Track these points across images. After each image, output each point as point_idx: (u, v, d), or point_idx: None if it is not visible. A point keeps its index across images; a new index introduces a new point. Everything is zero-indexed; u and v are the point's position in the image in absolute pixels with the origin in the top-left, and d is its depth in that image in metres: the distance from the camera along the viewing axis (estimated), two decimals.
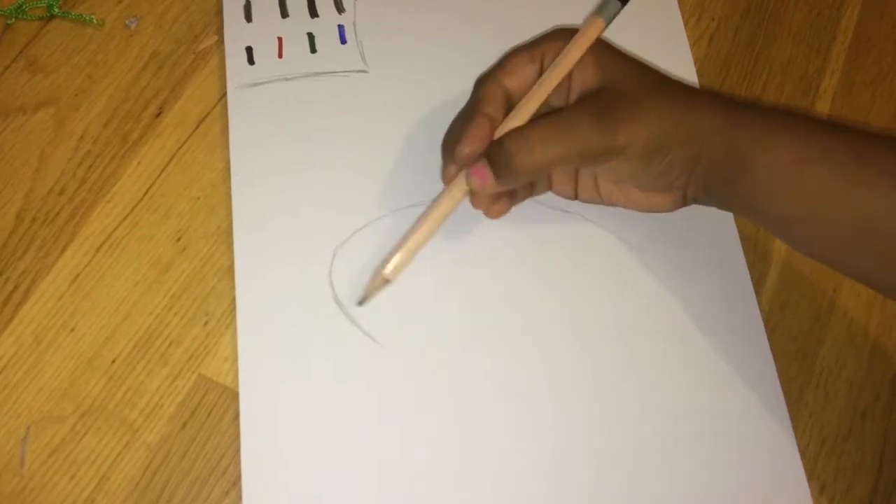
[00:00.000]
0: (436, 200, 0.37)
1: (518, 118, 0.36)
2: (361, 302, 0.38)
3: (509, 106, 0.37)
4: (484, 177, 0.35)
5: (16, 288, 0.39)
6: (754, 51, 0.47)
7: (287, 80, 0.43)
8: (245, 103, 0.43)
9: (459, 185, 0.36)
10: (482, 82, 0.37)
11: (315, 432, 0.37)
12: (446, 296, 0.39)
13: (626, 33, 0.41)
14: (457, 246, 0.40)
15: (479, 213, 0.38)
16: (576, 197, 0.39)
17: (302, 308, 0.39)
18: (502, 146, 0.35)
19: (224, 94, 0.43)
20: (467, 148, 0.35)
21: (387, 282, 0.37)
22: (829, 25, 0.48)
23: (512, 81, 0.37)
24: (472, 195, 0.37)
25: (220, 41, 0.45)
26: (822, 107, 0.46)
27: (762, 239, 0.42)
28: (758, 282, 0.41)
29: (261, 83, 0.43)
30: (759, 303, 0.40)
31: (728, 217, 0.41)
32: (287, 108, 0.43)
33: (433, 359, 0.38)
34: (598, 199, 0.39)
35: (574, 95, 0.36)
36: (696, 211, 0.38)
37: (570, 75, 0.36)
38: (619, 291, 0.40)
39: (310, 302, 0.39)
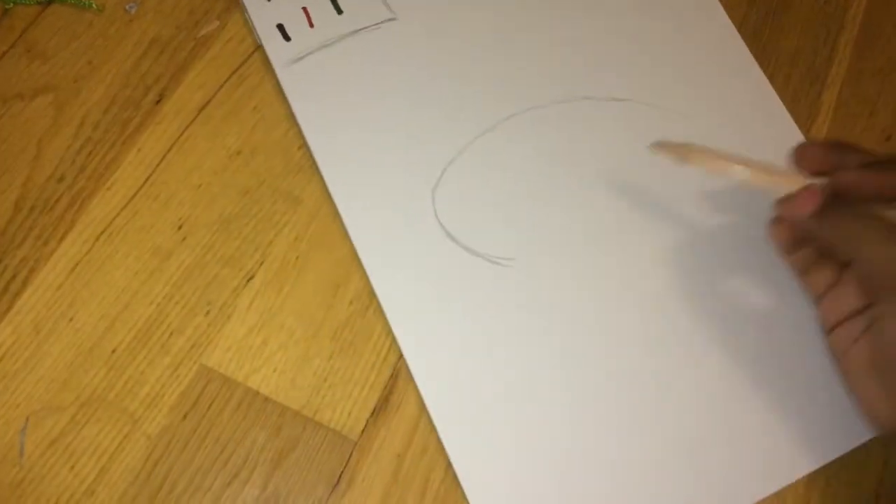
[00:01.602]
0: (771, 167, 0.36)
1: None
2: (655, 145, 0.37)
3: None
4: (805, 206, 0.34)
5: (14, 277, 0.39)
6: (761, 40, 0.46)
7: (326, 46, 0.43)
8: (296, 80, 0.43)
9: (793, 178, 0.35)
10: None
11: (489, 370, 0.39)
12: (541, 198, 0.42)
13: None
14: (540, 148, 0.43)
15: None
16: None
17: (427, 258, 0.40)
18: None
19: (226, 81, 0.43)
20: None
21: (683, 158, 0.36)
22: (836, 15, 0.47)
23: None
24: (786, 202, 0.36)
25: (222, 27, 0.44)
26: (830, 97, 0.45)
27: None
28: None
29: (303, 56, 0.43)
30: None
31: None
32: (336, 73, 0.43)
33: (559, 268, 0.40)
34: None
35: None
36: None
37: None
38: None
39: (429, 248, 0.40)
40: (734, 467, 0.38)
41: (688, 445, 0.38)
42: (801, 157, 0.35)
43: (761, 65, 0.45)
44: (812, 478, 0.38)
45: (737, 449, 0.38)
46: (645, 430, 0.38)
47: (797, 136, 0.44)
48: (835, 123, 0.45)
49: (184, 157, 0.42)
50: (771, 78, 0.45)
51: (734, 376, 0.39)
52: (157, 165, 0.41)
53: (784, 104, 0.44)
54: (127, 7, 0.44)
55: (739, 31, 0.46)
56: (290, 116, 0.43)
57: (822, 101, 0.45)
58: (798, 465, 0.38)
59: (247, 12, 0.44)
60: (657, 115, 0.44)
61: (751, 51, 0.45)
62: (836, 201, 0.34)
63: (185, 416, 0.37)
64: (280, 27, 0.44)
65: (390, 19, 0.44)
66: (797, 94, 0.45)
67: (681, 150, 0.36)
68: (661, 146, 0.37)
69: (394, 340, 0.39)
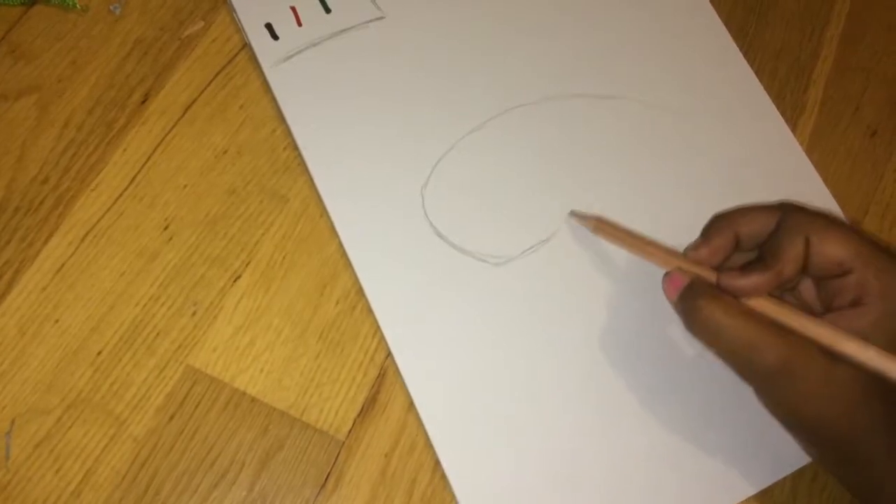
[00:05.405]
0: (662, 246, 0.37)
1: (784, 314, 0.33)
2: (571, 214, 0.41)
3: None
4: (670, 292, 0.35)
5: None
6: (747, 36, 0.46)
7: (314, 45, 0.43)
8: (285, 80, 0.43)
9: (677, 258, 0.36)
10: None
11: (478, 368, 0.39)
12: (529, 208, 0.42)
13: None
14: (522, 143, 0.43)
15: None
16: None
17: (416, 256, 0.40)
18: (699, 304, 0.33)
19: (211, 80, 0.43)
20: (703, 253, 0.35)
21: (593, 226, 0.39)
22: (822, 10, 0.47)
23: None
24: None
25: (207, 27, 0.44)
26: (815, 92, 0.45)
27: None
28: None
29: (291, 55, 0.43)
30: None
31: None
32: (325, 72, 0.43)
33: (549, 267, 0.41)
34: None
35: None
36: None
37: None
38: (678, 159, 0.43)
39: (418, 246, 0.40)
40: (721, 466, 0.38)
41: (676, 443, 0.38)
42: (695, 249, 0.36)
43: (748, 59, 0.45)
44: (798, 474, 0.38)
45: (724, 448, 0.38)
46: (634, 429, 0.38)
47: (784, 132, 0.44)
48: (820, 119, 0.45)
49: (169, 157, 0.41)
50: (757, 73, 0.45)
51: (723, 377, 0.38)
52: (143, 166, 0.41)
53: (770, 99, 0.44)
54: (111, 7, 0.44)
55: (726, 25, 0.46)
56: (277, 116, 0.42)
57: (808, 97, 0.45)
58: (784, 462, 0.38)
59: (234, 12, 0.44)
60: (646, 112, 0.44)
61: (737, 46, 0.46)
62: None
63: (171, 418, 0.37)
64: (268, 26, 0.44)
65: (378, 18, 0.44)
66: (783, 90, 0.45)
67: (591, 222, 0.39)
68: (576, 215, 0.41)
69: (381, 339, 0.39)
